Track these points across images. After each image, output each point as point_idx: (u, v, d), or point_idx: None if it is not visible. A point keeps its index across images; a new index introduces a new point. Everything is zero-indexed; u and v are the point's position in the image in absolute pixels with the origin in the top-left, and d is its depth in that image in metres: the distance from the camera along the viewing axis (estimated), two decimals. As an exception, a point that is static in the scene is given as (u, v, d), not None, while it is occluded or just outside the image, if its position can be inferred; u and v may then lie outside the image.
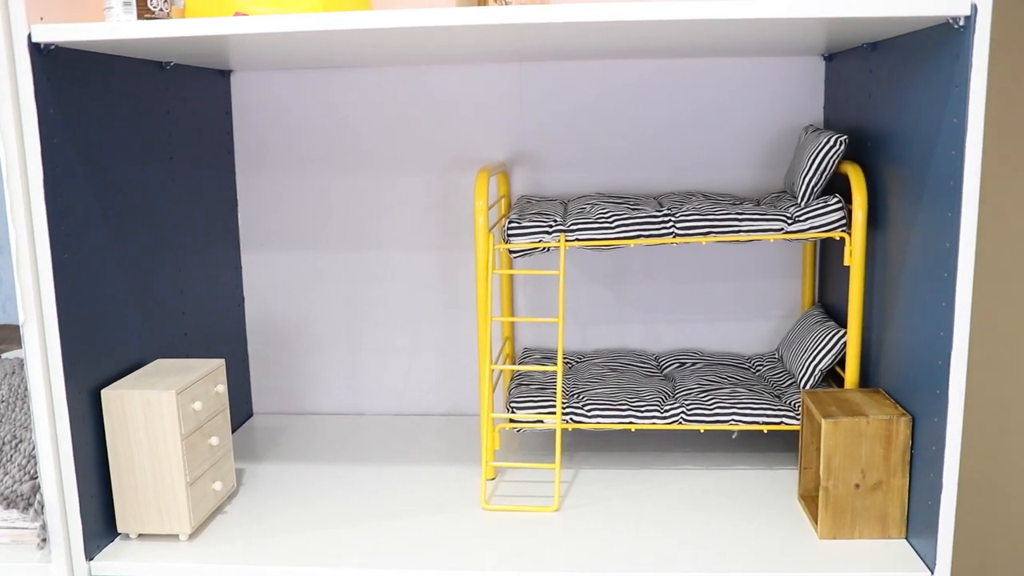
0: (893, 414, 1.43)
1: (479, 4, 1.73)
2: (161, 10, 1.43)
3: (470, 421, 2.07)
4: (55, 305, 1.37)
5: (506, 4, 1.57)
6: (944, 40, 1.28)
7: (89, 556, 1.45)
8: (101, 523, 1.50)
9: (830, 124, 1.89)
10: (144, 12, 1.41)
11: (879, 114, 1.58)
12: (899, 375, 1.48)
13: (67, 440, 1.41)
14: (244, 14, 1.44)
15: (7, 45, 1.31)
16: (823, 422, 1.43)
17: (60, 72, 1.38)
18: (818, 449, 1.57)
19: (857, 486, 1.44)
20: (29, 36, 1.31)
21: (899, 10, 1.21)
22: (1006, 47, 1.88)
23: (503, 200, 1.94)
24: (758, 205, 1.71)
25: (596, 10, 1.26)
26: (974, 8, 1.19)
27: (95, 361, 1.48)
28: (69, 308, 1.41)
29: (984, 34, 1.19)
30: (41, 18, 1.34)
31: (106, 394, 1.48)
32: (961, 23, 1.22)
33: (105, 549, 1.49)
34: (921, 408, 1.39)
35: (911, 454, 1.42)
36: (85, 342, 1.45)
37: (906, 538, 1.45)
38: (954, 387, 1.28)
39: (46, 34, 1.32)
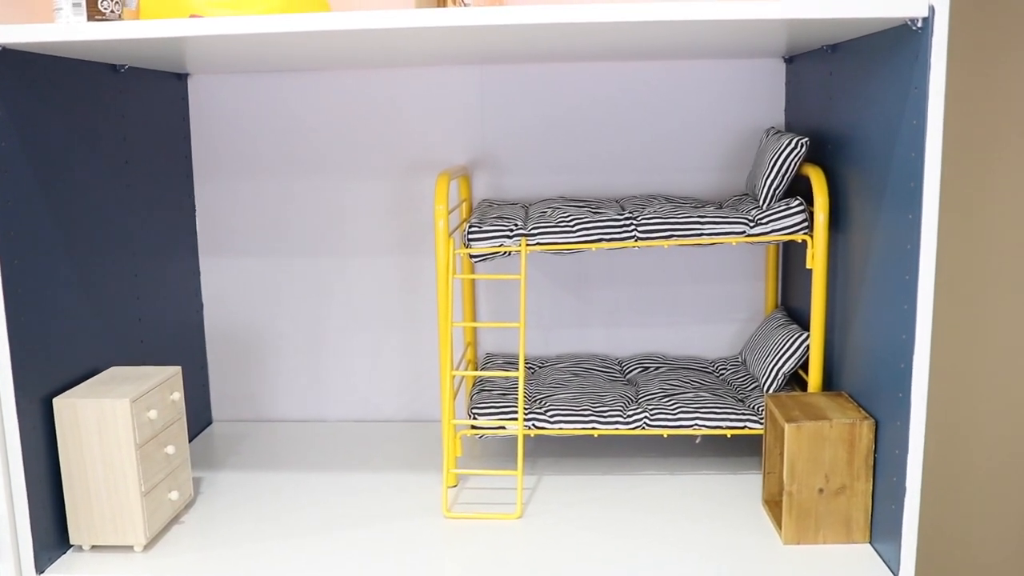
0: (856, 418, 1.42)
1: (438, 5, 1.71)
2: (112, 11, 1.40)
3: (432, 427, 2.05)
4: (3, 312, 1.34)
5: (465, 5, 1.55)
6: (903, 42, 1.28)
7: (40, 568, 1.42)
8: (53, 534, 1.46)
9: (791, 126, 1.89)
10: (94, 13, 1.38)
11: (839, 116, 1.58)
12: (862, 378, 1.48)
13: (17, 450, 1.37)
14: (199, 16, 1.42)
15: (-48, 45, 1.28)
16: (786, 426, 1.43)
17: (9, 74, 1.35)
18: (781, 453, 1.57)
19: (821, 491, 1.44)
20: (-25, 37, 1.28)
21: (857, 12, 1.21)
22: (964, 48, 1.89)
23: (464, 204, 1.92)
24: (720, 208, 1.70)
25: (554, 12, 1.24)
26: (932, 10, 1.19)
27: (47, 369, 1.45)
28: (19, 315, 1.37)
29: (942, 36, 1.19)
30: (-12, 18, 1.31)
31: (58, 403, 1.44)
32: (919, 24, 1.22)
33: (57, 561, 1.46)
34: (884, 411, 1.39)
35: (874, 458, 1.42)
36: (36, 349, 1.42)
37: (870, 542, 1.45)
38: (916, 390, 1.28)
39: (-7, 34, 1.28)
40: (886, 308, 1.36)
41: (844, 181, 1.56)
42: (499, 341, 2.07)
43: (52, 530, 1.46)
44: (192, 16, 1.43)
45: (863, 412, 1.45)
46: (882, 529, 1.40)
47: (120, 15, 1.41)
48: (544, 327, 2.05)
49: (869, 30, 1.39)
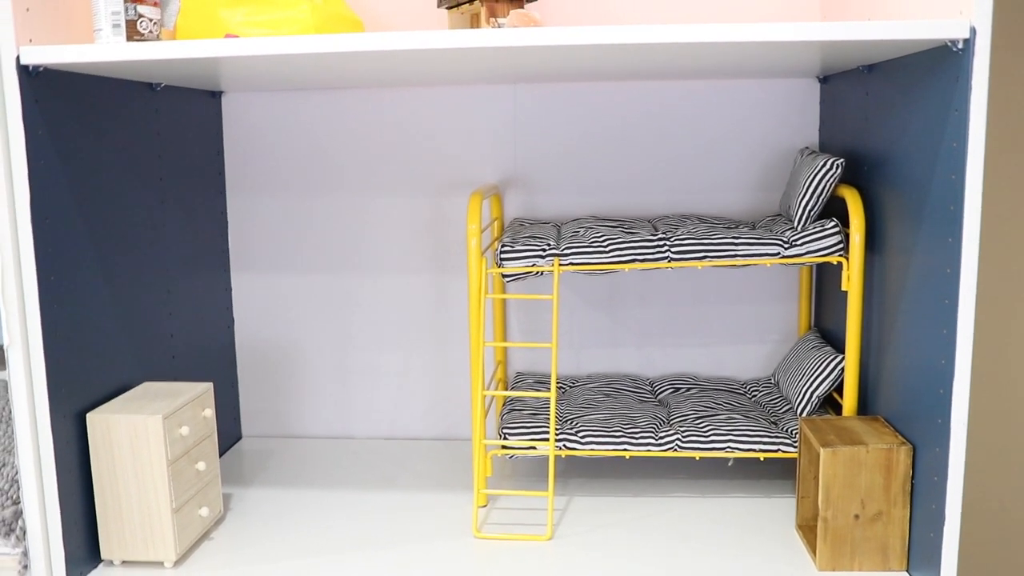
0: (893, 443, 1.40)
1: (472, 26, 1.71)
2: (151, 32, 1.41)
3: (461, 446, 2.04)
4: (40, 327, 1.35)
5: (499, 27, 1.55)
6: (943, 63, 1.27)
7: (71, 584, 1.42)
8: (84, 549, 1.46)
9: (825, 147, 1.88)
10: (133, 34, 1.39)
11: (876, 137, 1.56)
12: (898, 403, 1.46)
13: (51, 465, 1.38)
14: (235, 36, 1.43)
15: (-6, 66, 1.29)
16: (821, 451, 1.41)
17: (49, 94, 1.36)
18: (816, 478, 1.54)
19: (856, 516, 1.42)
20: (18, 58, 1.29)
21: (898, 34, 1.20)
22: (1005, 70, 1.87)
23: (495, 223, 1.92)
24: (753, 229, 1.69)
25: (589, 33, 1.24)
26: (973, 31, 1.18)
27: (81, 384, 1.45)
28: (55, 330, 1.38)
29: (984, 57, 1.18)
30: (30, 40, 1.32)
31: (91, 418, 1.45)
32: (960, 46, 1.21)
33: (88, 577, 1.47)
34: (922, 437, 1.37)
35: (912, 484, 1.40)
36: (71, 365, 1.42)
37: (907, 570, 1.42)
38: (956, 416, 1.25)
39: (35, 56, 1.30)
40: (924, 332, 1.34)
41: (880, 202, 1.55)
42: (529, 360, 2.06)
43: (84, 545, 1.46)
44: (228, 35, 1.44)
45: (900, 437, 1.43)
46: (920, 557, 1.38)
47: (158, 35, 1.43)
48: (575, 347, 2.04)
49: (907, 51, 1.37)
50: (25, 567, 1.41)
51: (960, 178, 1.22)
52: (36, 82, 1.33)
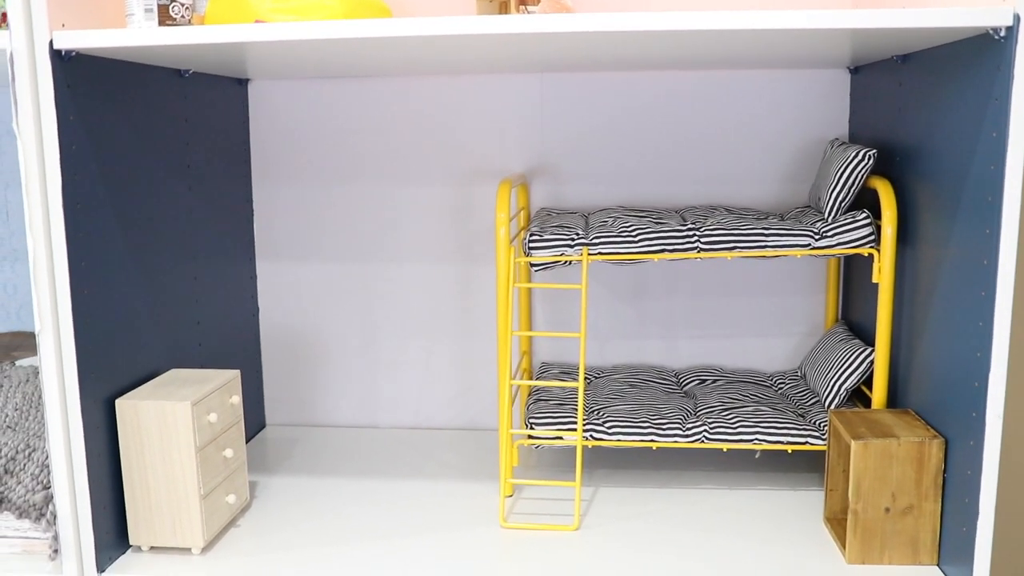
0: (925, 436, 1.39)
1: (500, 11, 1.70)
2: (183, 17, 1.41)
3: (486, 436, 2.04)
4: (71, 314, 1.35)
5: (528, 12, 1.54)
6: (983, 52, 1.25)
7: (100, 568, 1.43)
8: (113, 534, 1.47)
9: (856, 138, 1.86)
10: (165, 19, 1.39)
11: (910, 128, 1.55)
12: (930, 396, 1.45)
13: (80, 450, 1.38)
14: (264, 21, 1.43)
15: (28, 51, 1.29)
16: (852, 443, 1.40)
17: (81, 79, 1.36)
18: (845, 471, 1.53)
19: (887, 510, 1.40)
20: (51, 42, 1.29)
21: (937, 21, 1.18)
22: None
23: (522, 212, 1.91)
24: (783, 220, 1.68)
25: (619, 19, 1.23)
26: (1017, 18, 1.16)
27: (110, 370, 1.46)
28: (85, 317, 1.38)
29: (1026, 46, 1.16)
30: (63, 24, 1.32)
31: (120, 404, 1.45)
32: (1003, 34, 1.19)
33: (117, 561, 1.47)
34: (955, 430, 1.35)
35: (943, 478, 1.39)
36: (100, 351, 1.43)
37: (938, 565, 1.41)
38: (991, 409, 1.24)
39: (68, 41, 1.30)
40: (959, 325, 1.33)
41: (913, 194, 1.53)
42: (555, 350, 2.06)
43: (112, 530, 1.47)
44: (257, 21, 1.44)
45: (931, 430, 1.42)
46: (952, 552, 1.36)
47: (190, 20, 1.43)
48: (601, 337, 2.03)
49: (945, 40, 1.36)
50: (55, 551, 1.42)
51: (1000, 169, 1.20)
52: (68, 67, 1.33)
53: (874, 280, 1.57)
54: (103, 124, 1.43)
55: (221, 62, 1.61)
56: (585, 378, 1.96)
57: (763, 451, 1.88)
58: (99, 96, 1.42)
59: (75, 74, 1.35)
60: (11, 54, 1.29)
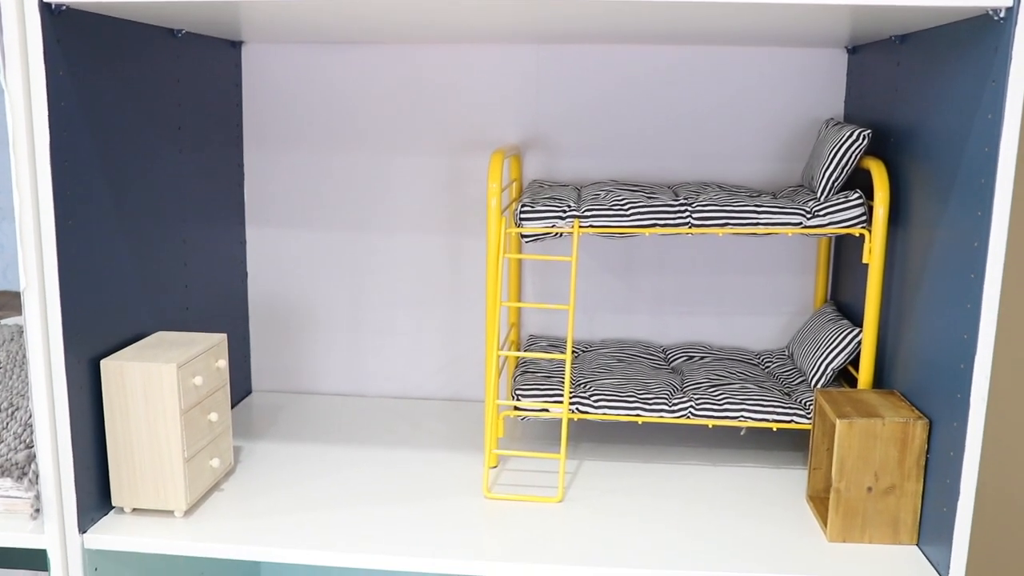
0: (910, 417, 1.40)
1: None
2: (175, -27, 1.39)
3: (472, 407, 2.04)
4: (57, 272, 1.34)
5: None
6: (982, 33, 1.24)
7: (82, 528, 1.42)
8: (96, 495, 1.47)
9: (851, 118, 1.86)
10: (158, -25, 1.37)
11: (906, 109, 1.54)
12: (916, 377, 1.45)
13: (64, 410, 1.38)
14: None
15: (17, 4, 1.27)
16: (838, 422, 1.40)
17: (70, 34, 1.34)
18: (829, 450, 1.54)
19: (869, 489, 1.41)
20: (40, -5, 1.27)
21: (939, 0, 1.17)
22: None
23: (514, 184, 1.91)
24: (775, 198, 1.67)
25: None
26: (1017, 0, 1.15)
27: (95, 331, 1.45)
28: (71, 276, 1.37)
29: (1025, 27, 1.16)
30: (52, -24, 1.30)
31: (105, 364, 1.44)
32: (1002, 15, 1.18)
33: (99, 522, 1.47)
34: (939, 412, 1.36)
35: (926, 459, 1.39)
36: (86, 311, 1.42)
37: (918, 544, 1.42)
38: (976, 392, 1.24)
39: (57, -7, 1.28)
40: (947, 306, 1.33)
41: (906, 175, 1.53)
42: (543, 323, 2.05)
43: (95, 491, 1.46)
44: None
45: (916, 411, 1.42)
46: (931, 532, 1.37)
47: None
48: (589, 311, 2.03)
49: (944, 20, 1.35)
50: (37, 511, 1.41)
51: (994, 151, 1.20)
52: (58, 21, 1.31)
53: (864, 261, 1.57)
54: (93, 81, 1.41)
55: (214, 21, 1.59)
56: (573, 351, 1.96)
57: (748, 428, 1.88)
58: (89, 53, 1.40)
59: (65, 29, 1.33)
60: (-1, 7, 1.27)
